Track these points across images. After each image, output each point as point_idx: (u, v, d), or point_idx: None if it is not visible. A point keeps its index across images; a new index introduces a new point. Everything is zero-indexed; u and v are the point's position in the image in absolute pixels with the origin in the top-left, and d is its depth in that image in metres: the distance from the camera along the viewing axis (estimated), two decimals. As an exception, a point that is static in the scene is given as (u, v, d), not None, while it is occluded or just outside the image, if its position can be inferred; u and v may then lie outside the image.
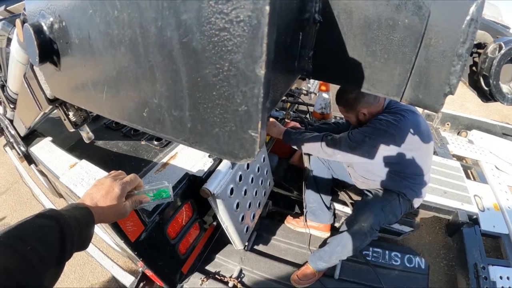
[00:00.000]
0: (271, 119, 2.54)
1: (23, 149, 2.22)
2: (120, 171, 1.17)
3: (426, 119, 4.82)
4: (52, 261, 0.74)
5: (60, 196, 3.14)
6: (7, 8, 2.13)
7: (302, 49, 0.82)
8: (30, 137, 2.24)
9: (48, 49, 0.62)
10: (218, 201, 1.69)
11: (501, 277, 2.69)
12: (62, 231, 0.78)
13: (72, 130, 1.24)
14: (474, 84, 1.17)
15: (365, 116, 2.11)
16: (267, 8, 0.35)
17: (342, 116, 2.53)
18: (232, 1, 0.34)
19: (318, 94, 3.04)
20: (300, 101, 3.28)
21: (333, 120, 2.93)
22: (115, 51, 0.46)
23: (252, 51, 0.36)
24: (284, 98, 3.07)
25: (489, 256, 3.06)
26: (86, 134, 1.34)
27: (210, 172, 1.71)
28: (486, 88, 1.07)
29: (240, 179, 1.86)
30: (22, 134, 2.23)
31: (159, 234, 1.64)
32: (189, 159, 1.79)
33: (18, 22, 0.99)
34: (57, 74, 0.70)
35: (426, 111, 4.86)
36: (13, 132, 2.31)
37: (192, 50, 0.37)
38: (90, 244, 0.92)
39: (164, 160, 1.81)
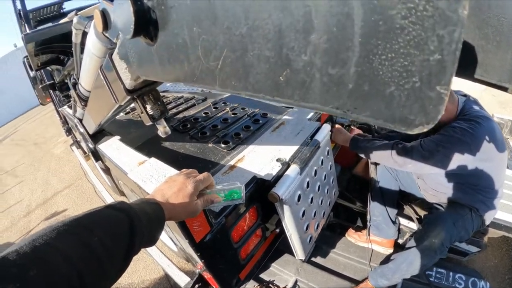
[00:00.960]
0: (336, 126, 2.46)
1: (91, 146, 2.29)
2: (192, 169, 1.15)
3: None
4: (118, 254, 0.72)
5: (122, 194, 3.21)
6: (78, 13, 2.22)
7: None
8: (98, 135, 2.31)
9: (145, 18, 0.60)
10: (285, 207, 1.62)
11: None
12: (132, 225, 0.77)
13: (149, 123, 1.24)
14: None
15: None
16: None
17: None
18: None
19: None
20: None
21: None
22: (252, 2, 0.40)
23: None
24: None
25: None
26: (163, 128, 1.34)
27: (278, 177, 1.65)
28: None
29: (308, 185, 1.79)
30: (90, 132, 2.30)
31: (223, 236, 1.61)
32: (256, 162, 1.75)
33: (96, 11, 0.99)
34: (147, 50, 0.67)
35: (494, 119, 4.57)
36: (81, 130, 2.39)
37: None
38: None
39: (232, 162, 1.78)
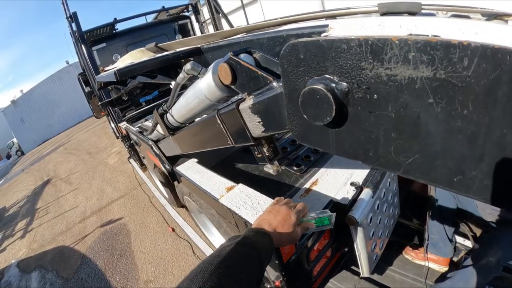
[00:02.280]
0: None
1: (168, 167, 2.48)
2: (288, 199, 1.31)
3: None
4: (254, 284, 0.87)
5: (180, 206, 3.39)
6: (158, 45, 2.40)
7: None
8: (174, 157, 2.49)
9: (341, 113, 0.75)
10: (359, 229, 1.75)
11: None
12: (260, 259, 0.92)
13: (268, 164, 1.40)
14: None
15: None
16: None
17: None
18: None
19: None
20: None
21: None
22: (450, 135, 0.59)
23: None
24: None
25: None
26: (276, 167, 1.48)
27: (353, 200, 1.79)
28: None
29: (378, 208, 1.91)
30: (167, 155, 2.50)
31: (303, 257, 1.74)
32: (331, 186, 1.88)
33: (225, 65, 1.18)
34: (320, 128, 0.85)
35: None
36: (157, 151, 2.59)
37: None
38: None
39: (306, 185, 1.92)
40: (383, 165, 0.72)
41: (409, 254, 2.75)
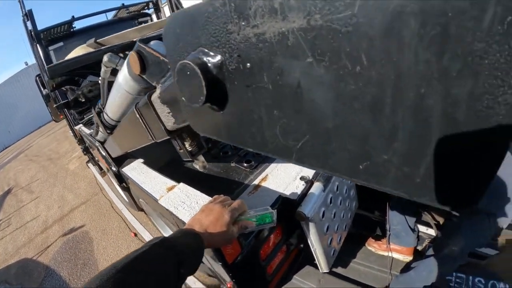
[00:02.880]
0: None
1: (114, 169, 2.34)
2: (225, 196, 1.21)
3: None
4: (170, 284, 0.78)
5: (140, 210, 3.26)
6: (97, 41, 2.26)
7: None
8: (121, 158, 2.36)
9: (215, 90, 0.63)
10: (311, 225, 1.67)
11: None
12: (179, 261, 0.82)
13: (188, 159, 1.29)
14: None
15: None
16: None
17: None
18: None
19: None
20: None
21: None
22: (343, 106, 0.44)
23: None
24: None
25: None
26: (202, 163, 1.39)
27: (303, 195, 1.70)
28: None
29: (331, 201, 1.83)
30: (113, 156, 2.35)
31: (253, 256, 1.65)
32: (280, 181, 1.79)
33: (133, 54, 1.05)
34: (209, 112, 0.71)
35: None
36: (104, 153, 2.44)
37: (453, 121, 0.35)
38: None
39: (256, 182, 1.82)
40: (274, 152, 0.60)
41: (372, 246, 2.70)
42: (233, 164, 2.01)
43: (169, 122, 1.05)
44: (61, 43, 5.41)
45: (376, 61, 0.38)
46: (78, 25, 5.66)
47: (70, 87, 4.74)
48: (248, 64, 0.54)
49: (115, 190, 5.42)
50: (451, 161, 0.38)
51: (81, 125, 4.51)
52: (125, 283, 0.69)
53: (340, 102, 0.45)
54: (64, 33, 5.48)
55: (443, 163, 0.39)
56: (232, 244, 1.19)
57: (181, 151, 1.26)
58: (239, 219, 1.12)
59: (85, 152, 5.41)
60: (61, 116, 6.07)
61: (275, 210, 1.21)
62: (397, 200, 2.48)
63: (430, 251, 2.21)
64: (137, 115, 1.23)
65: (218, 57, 0.60)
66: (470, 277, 2.59)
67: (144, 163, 2.19)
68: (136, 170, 2.12)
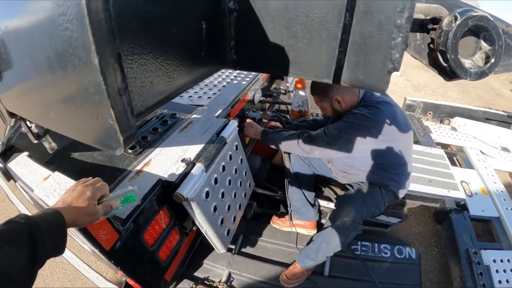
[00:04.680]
0: (248, 120, 2.54)
1: (1, 165, 2.19)
2: (90, 178, 1.20)
3: (408, 110, 4.90)
4: (23, 263, 0.75)
5: (41, 210, 3.10)
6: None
7: (222, 40, 0.82)
8: (8, 153, 2.21)
9: None
10: (194, 205, 1.67)
11: (494, 261, 2.71)
12: (31, 233, 0.80)
13: (36, 141, 1.24)
14: (433, 62, 1.14)
15: (339, 104, 2.11)
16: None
17: (321, 114, 2.55)
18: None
19: (295, 92, 3.05)
20: (279, 100, 3.29)
21: (311, 118, 2.93)
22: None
23: (84, 43, 0.39)
24: (262, 98, 3.09)
25: (481, 241, 3.08)
26: (49, 144, 1.35)
27: (183, 177, 1.69)
28: (445, 65, 1.04)
29: (216, 182, 1.84)
30: None
31: (135, 241, 1.62)
32: (162, 165, 1.77)
33: None
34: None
35: (407, 101, 4.92)
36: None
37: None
38: (76, 257, 0.94)
39: (138, 167, 1.78)
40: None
41: (277, 223, 2.79)
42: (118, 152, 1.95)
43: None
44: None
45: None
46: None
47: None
48: None
49: (21, 195, 5.08)
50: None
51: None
52: None
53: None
54: None
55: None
56: (98, 221, 1.16)
57: (28, 133, 1.22)
58: (103, 200, 1.14)
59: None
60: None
61: (136, 187, 1.24)
62: (294, 178, 2.56)
63: (326, 224, 2.30)
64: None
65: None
66: (376, 245, 2.74)
67: (29, 156, 2.07)
68: (20, 164, 2.00)
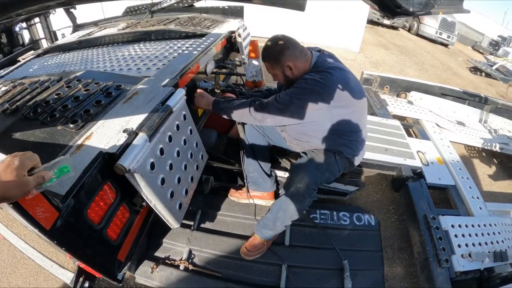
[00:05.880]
0: (198, 90, 2.47)
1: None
2: (20, 152, 1.11)
3: (365, 84, 4.98)
4: None
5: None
6: None
7: None
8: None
9: None
10: (138, 177, 1.60)
11: (452, 226, 2.83)
12: None
13: None
14: None
15: (291, 71, 2.09)
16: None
17: (275, 84, 2.52)
18: None
19: (248, 61, 2.99)
20: (234, 72, 3.25)
21: (265, 88, 2.90)
22: None
23: None
24: (216, 70, 3.04)
25: (439, 207, 3.18)
26: None
27: (125, 148, 1.61)
28: None
29: (162, 152, 1.77)
30: None
31: (78, 219, 1.54)
32: (104, 137, 1.66)
33: None
34: None
35: (364, 75, 4.97)
36: None
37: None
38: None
39: (79, 142, 1.68)
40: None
41: (234, 196, 2.78)
42: (60, 127, 1.84)
43: None
44: None
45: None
46: None
47: None
48: None
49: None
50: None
51: None
52: None
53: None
54: None
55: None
56: (32, 195, 1.08)
57: None
58: (34, 172, 1.07)
59: None
60: None
61: (67, 155, 1.21)
62: (249, 149, 2.54)
63: (281, 192, 2.29)
64: None
65: None
66: (335, 213, 2.78)
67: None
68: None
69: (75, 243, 1.57)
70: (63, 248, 1.49)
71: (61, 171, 1.14)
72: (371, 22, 13.95)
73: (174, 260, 2.36)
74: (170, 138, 1.86)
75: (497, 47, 15.58)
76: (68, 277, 2.30)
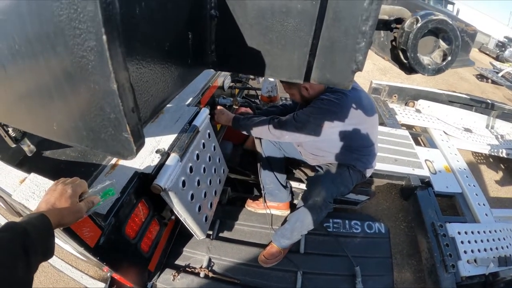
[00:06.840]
0: (218, 107, 2.60)
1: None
2: (67, 178, 1.20)
3: (374, 93, 5.05)
4: (19, 269, 0.75)
5: (19, 215, 3.06)
6: None
7: (203, 44, 0.88)
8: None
9: None
10: (171, 195, 1.72)
11: (459, 233, 2.92)
12: (23, 241, 0.80)
13: (14, 145, 1.25)
14: (395, 58, 1.27)
15: (307, 91, 2.19)
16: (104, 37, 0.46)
17: (289, 98, 2.62)
18: (82, 36, 0.43)
19: (264, 77, 3.11)
20: (248, 86, 3.35)
21: (280, 103, 3.01)
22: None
23: (103, 71, 0.46)
24: (232, 84, 3.16)
25: (446, 215, 3.29)
26: (28, 147, 1.35)
27: (159, 168, 1.74)
28: (405, 61, 1.17)
29: (191, 170, 1.90)
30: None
31: (117, 236, 1.66)
32: (137, 157, 1.78)
33: None
34: None
35: (373, 85, 5.07)
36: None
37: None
38: (58, 259, 0.93)
39: (113, 161, 1.81)
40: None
41: (251, 206, 2.87)
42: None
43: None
44: None
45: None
46: None
47: None
48: None
49: None
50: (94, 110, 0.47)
51: None
52: None
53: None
54: None
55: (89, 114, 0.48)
56: (82, 219, 1.18)
57: (6, 138, 1.23)
58: (84, 197, 1.14)
59: None
60: None
61: (114, 180, 1.26)
62: (266, 162, 2.64)
63: (299, 204, 2.40)
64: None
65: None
66: (347, 221, 2.87)
67: (0, 159, 2.04)
68: (-10, 167, 1.97)
69: (114, 257, 1.69)
70: (104, 263, 1.61)
71: (106, 194, 1.23)
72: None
73: (195, 268, 2.44)
74: (197, 156, 2.00)
75: (503, 49, 15.40)
76: (99, 287, 2.42)
